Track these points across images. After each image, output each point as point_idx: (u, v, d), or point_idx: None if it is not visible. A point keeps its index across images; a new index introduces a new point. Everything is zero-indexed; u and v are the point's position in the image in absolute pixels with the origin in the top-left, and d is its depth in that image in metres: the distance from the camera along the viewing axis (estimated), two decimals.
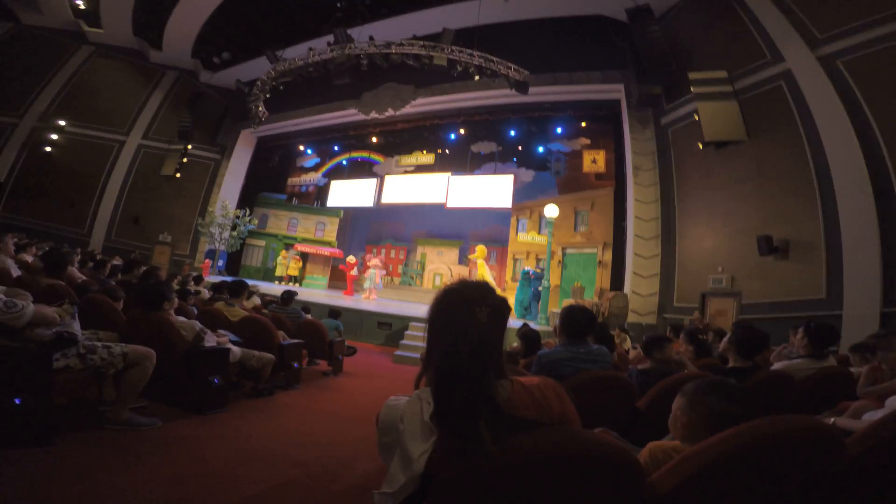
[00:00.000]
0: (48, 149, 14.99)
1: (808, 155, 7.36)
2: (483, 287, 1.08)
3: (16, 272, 4.37)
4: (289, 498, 2.26)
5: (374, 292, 12.75)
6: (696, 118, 8.80)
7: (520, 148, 15.31)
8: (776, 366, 2.90)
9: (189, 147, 15.76)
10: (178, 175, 15.59)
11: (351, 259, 14.45)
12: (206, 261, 15.09)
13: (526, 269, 11.86)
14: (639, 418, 2.30)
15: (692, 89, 8.83)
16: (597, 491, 0.96)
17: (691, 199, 9.40)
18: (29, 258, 5.99)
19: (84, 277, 5.09)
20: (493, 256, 16.82)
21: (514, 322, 8.21)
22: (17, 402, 2.19)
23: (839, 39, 7.27)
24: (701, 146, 8.91)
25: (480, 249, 12.72)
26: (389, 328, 9.12)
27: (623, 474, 0.95)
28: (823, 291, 6.82)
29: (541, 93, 11.87)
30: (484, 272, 11.98)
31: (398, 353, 7.93)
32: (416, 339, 8.23)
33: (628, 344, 6.76)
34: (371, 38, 11.32)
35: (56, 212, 14.83)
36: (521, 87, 10.82)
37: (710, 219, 8.91)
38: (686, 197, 9.52)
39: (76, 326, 2.70)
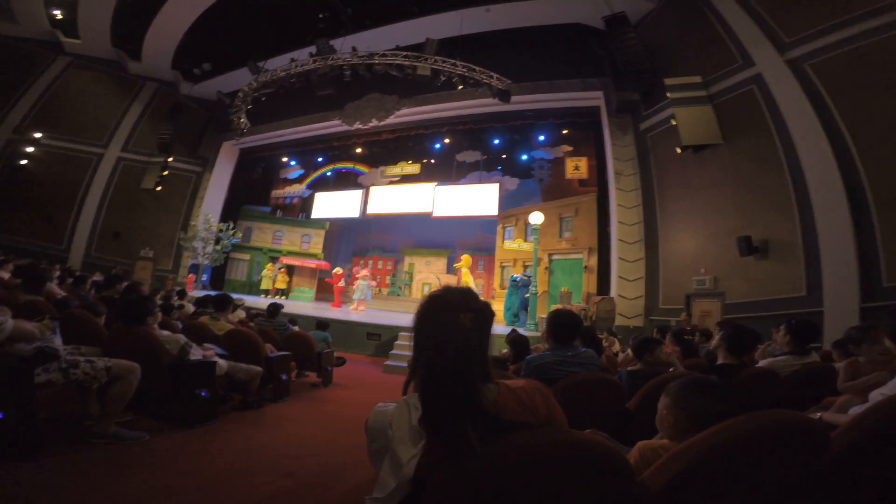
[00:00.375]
0: (24, 162, 14.57)
1: (781, 156, 7.55)
2: (466, 293, 1.10)
3: None
4: None
5: (362, 303, 12.67)
6: (674, 123, 8.97)
7: (504, 156, 15.42)
8: (761, 363, 2.96)
9: (170, 160, 15.50)
10: (158, 188, 15.31)
11: (338, 270, 14.33)
12: (190, 275, 14.84)
13: (513, 276, 11.91)
14: (629, 419, 2.32)
15: (668, 95, 9.00)
16: (587, 491, 0.97)
17: (672, 202, 9.56)
18: (6, 275, 5.82)
19: (64, 293, 4.97)
20: (480, 265, 16.83)
21: (503, 329, 8.22)
22: None
23: (806, 42, 7.49)
24: (679, 151, 9.06)
25: (465, 259, 12.83)
26: (379, 339, 9.07)
27: (612, 473, 0.96)
28: (804, 289, 6.98)
29: (523, 101, 12.02)
30: (468, 280, 12.01)
31: (388, 363, 7.88)
32: (405, 348, 8.19)
33: (617, 347, 6.81)
34: (354, 49, 11.35)
35: (33, 227, 14.41)
36: (504, 95, 10.95)
37: (691, 221, 9.07)
38: (667, 201, 9.68)
39: (58, 341, 2.67)
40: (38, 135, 14.76)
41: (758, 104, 8.02)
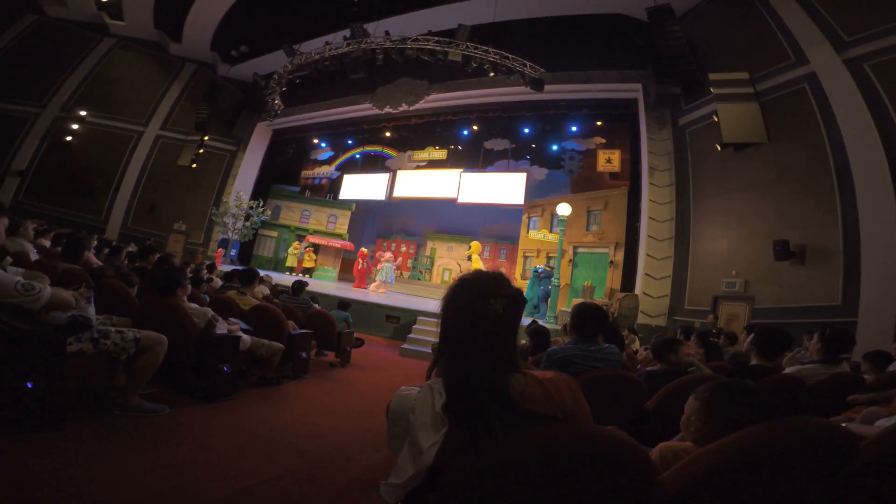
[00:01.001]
0: (69, 138, 15.26)
1: (829, 159, 7.21)
2: (499, 278, 1.06)
3: (34, 256, 4.45)
4: (292, 488, 2.26)
5: (384, 285, 12.83)
6: (716, 119, 8.67)
7: (533, 146, 15.25)
8: (788, 369, 2.85)
9: (206, 138, 15.93)
10: (194, 165, 15.79)
11: (363, 251, 14.54)
12: (220, 250, 15.30)
13: (536, 267, 11.81)
14: (647, 419, 2.27)
15: (712, 90, 8.69)
16: (605, 488, 0.94)
17: (707, 201, 9.27)
18: (47, 243, 6.10)
19: (100, 263, 5.17)
20: (503, 253, 16.79)
21: (522, 320, 8.16)
22: (29, 385, 2.20)
23: (867, 42, 7.10)
24: (719, 148, 8.77)
25: (475, 245, 12.95)
26: (397, 322, 9.16)
27: (635, 472, 0.93)
28: (839, 298, 6.69)
29: (556, 91, 11.77)
30: (478, 266, 12.00)
31: (405, 346, 7.95)
32: (423, 333, 8.25)
33: (637, 345, 6.70)
34: (387, 33, 11.34)
35: (75, 199, 15.11)
36: (537, 84, 10.75)
37: (726, 221, 8.78)
38: (702, 199, 9.39)
39: (91, 311, 2.71)
40: (83, 113, 15.40)
41: (809, 104, 7.66)
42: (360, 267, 14.31)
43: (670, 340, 2.89)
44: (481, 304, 1.00)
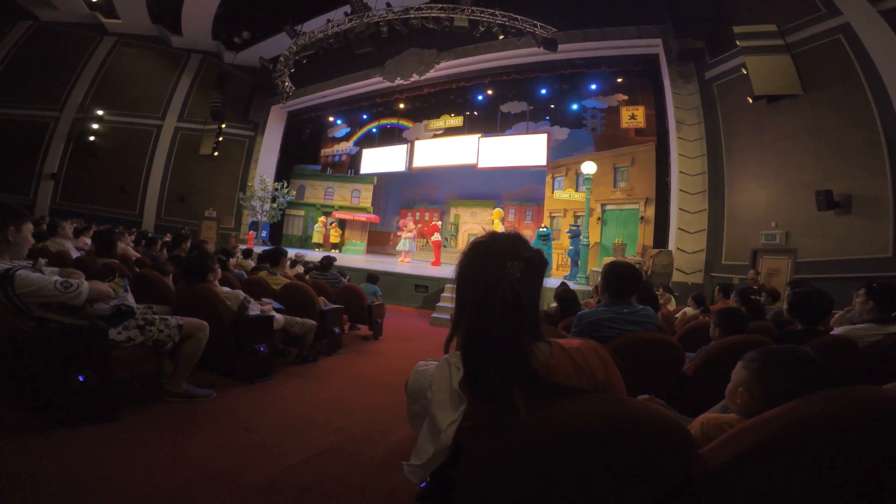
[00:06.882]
0: (92, 138, 15.69)
1: (873, 109, 6.83)
2: (515, 239, 0.97)
3: (75, 254, 4.65)
4: (330, 465, 2.32)
5: (408, 255, 12.95)
6: (745, 72, 8.28)
7: (552, 106, 14.79)
8: (837, 330, 2.64)
9: (223, 126, 16.11)
10: (215, 154, 16.06)
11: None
12: (251, 232, 15.69)
13: (540, 229, 11.48)
14: (686, 385, 2.20)
15: (738, 43, 8.28)
16: (641, 464, 0.88)
17: (741, 153, 8.87)
18: (88, 241, 6.36)
19: (138, 255, 5.36)
20: (528, 215, 16.61)
21: (549, 282, 8.04)
22: (80, 379, 2.30)
23: None
24: (751, 100, 8.38)
25: (496, 213, 12.99)
26: (426, 291, 9.20)
27: (671, 448, 0.86)
28: (889, 249, 6.39)
29: (571, 49, 11.29)
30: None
31: (435, 315, 7.99)
32: (452, 301, 8.25)
33: (673, 305, 6.54)
34: (388, 5, 11.02)
35: (108, 197, 15.67)
36: (550, 44, 10.32)
37: (762, 173, 8.40)
38: (735, 151, 8.99)
39: (130, 299, 2.79)
40: (100, 112, 15.73)
41: (845, 55, 7.23)
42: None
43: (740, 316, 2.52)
44: (497, 268, 0.92)
